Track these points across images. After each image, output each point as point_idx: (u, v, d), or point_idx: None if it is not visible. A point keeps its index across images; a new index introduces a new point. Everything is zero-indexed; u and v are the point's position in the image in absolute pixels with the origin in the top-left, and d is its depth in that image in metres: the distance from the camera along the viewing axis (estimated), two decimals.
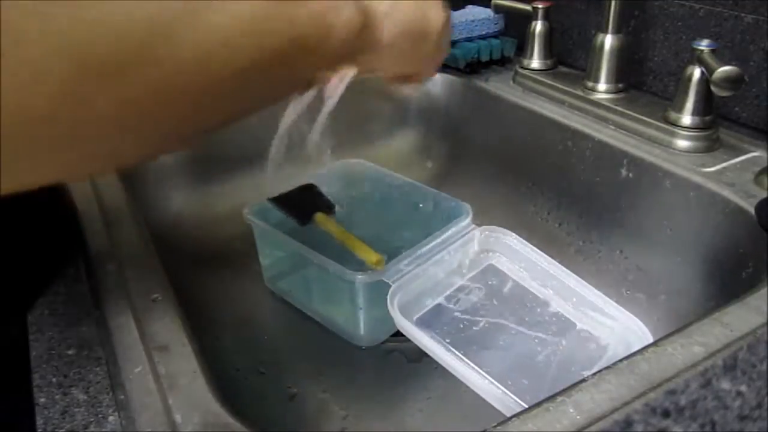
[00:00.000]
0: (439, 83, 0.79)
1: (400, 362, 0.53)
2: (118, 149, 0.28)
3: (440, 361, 0.44)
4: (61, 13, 0.22)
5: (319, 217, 0.55)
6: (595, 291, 0.50)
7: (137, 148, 0.29)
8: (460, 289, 0.53)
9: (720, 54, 0.55)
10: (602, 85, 0.65)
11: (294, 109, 0.43)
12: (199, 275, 0.63)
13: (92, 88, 0.23)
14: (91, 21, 0.23)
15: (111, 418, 0.32)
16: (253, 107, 0.33)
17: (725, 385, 0.32)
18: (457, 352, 0.45)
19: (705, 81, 0.54)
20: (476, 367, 0.45)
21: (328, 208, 0.57)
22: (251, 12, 0.27)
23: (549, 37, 0.73)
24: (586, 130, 0.63)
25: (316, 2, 0.31)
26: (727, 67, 0.50)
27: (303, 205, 0.56)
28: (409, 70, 0.43)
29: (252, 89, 0.30)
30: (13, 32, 0.21)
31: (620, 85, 0.65)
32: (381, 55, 0.38)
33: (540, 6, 0.71)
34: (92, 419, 0.32)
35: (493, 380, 0.44)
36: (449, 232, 0.52)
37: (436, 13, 0.41)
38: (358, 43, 0.35)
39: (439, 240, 0.51)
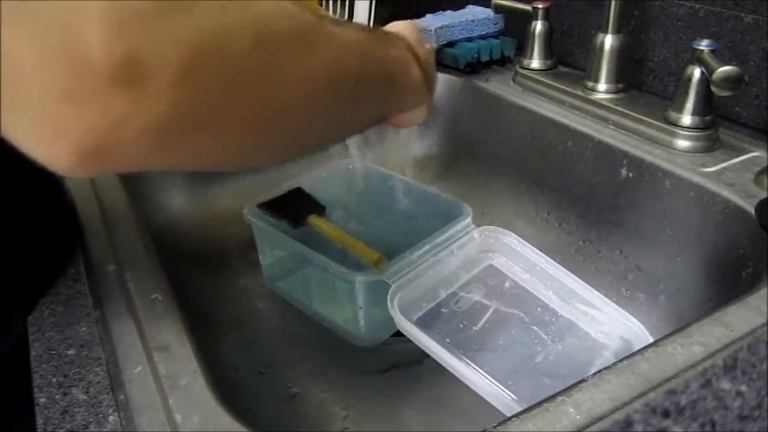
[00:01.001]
0: (439, 83, 0.79)
1: (400, 362, 0.53)
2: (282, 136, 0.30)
3: (440, 361, 0.44)
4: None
5: (313, 219, 0.55)
6: (595, 291, 0.50)
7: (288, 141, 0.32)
8: (460, 289, 0.53)
9: (720, 54, 0.55)
10: (602, 85, 0.65)
11: None
12: (199, 275, 0.63)
13: (273, 56, 0.26)
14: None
15: (111, 418, 0.32)
16: (349, 127, 0.38)
17: (725, 385, 0.32)
18: (457, 352, 0.45)
19: (705, 81, 0.54)
20: (476, 367, 0.45)
21: (319, 209, 0.57)
22: (357, 42, 0.34)
23: (549, 37, 0.73)
24: (586, 130, 0.63)
25: (397, 51, 0.40)
26: (727, 67, 0.50)
27: (293, 209, 0.56)
28: (420, 118, 0.49)
29: (354, 105, 0.35)
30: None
31: (620, 85, 0.65)
32: (420, 108, 0.46)
33: (540, 6, 0.71)
34: (92, 419, 0.32)
35: (493, 380, 0.44)
36: (449, 232, 0.52)
37: (434, 69, 0.50)
38: (421, 92, 0.43)
39: (439, 240, 0.51)
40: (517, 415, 0.30)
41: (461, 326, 0.50)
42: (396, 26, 0.47)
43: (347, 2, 0.82)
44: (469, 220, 0.54)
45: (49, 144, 0.22)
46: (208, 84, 0.24)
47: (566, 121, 0.65)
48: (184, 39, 0.22)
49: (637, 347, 0.36)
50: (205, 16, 0.23)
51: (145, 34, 0.21)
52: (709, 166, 0.55)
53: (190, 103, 0.23)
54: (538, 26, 0.72)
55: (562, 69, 0.74)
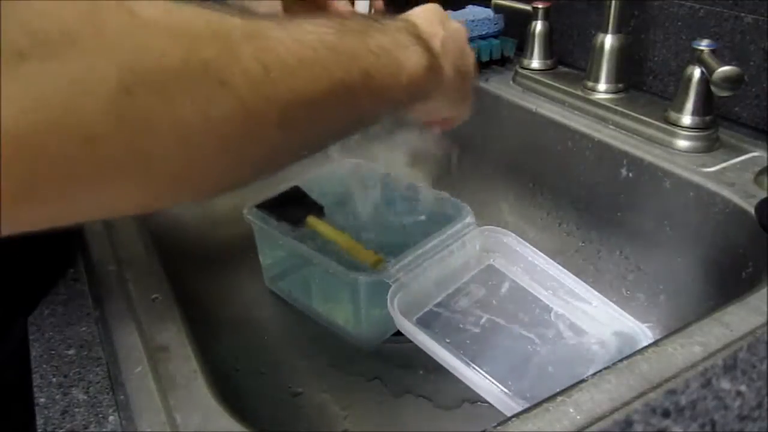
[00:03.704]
0: None
1: (400, 362, 0.53)
2: (196, 175, 0.25)
3: (440, 361, 0.44)
4: (114, 20, 0.20)
5: (311, 220, 0.55)
6: (595, 292, 0.50)
7: (206, 176, 0.26)
8: (460, 289, 0.53)
9: (720, 54, 0.55)
10: (602, 85, 0.65)
11: None
12: (199, 275, 0.63)
13: (148, 103, 0.21)
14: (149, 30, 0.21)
15: (111, 418, 0.32)
16: (322, 140, 0.32)
17: (725, 385, 0.32)
18: (457, 352, 0.45)
19: (705, 81, 0.54)
20: (476, 367, 0.45)
21: (317, 210, 0.57)
22: (315, 43, 0.27)
23: (549, 37, 0.73)
24: (586, 130, 0.63)
25: (383, 37, 0.32)
26: (727, 67, 0.50)
27: (292, 209, 0.56)
28: (455, 111, 0.43)
29: (322, 120, 0.29)
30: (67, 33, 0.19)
31: (620, 85, 0.65)
32: (441, 97, 0.38)
33: (540, 6, 0.71)
34: (92, 419, 0.32)
35: (493, 380, 0.44)
36: (449, 232, 0.52)
37: (469, 50, 0.42)
38: (426, 84, 0.35)
39: (439, 240, 0.51)
40: (517, 415, 0.30)
41: (461, 326, 0.50)
42: (414, 11, 0.40)
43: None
44: (468, 220, 0.54)
45: None
46: (52, 151, 0.19)
47: (566, 121, 0.65)
48: (14, 105, 0.18)
49: (637, 347, 0.36)
50: (44, 72, 0.19)
51: None
52: (709, 166, 0.55)
53: (29, 173, 0.19)
54: (538, 26, 0.72)
55: (562, 69, 0.74)
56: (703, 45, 0.54)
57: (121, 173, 0.22)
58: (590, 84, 0.66)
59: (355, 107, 0.31)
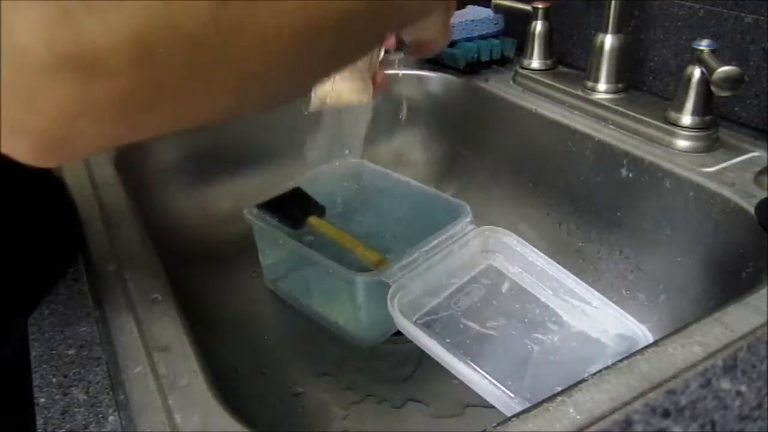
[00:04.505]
0: (439, 83, 0.79)
1: (400, 362, 0.53)
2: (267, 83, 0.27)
3: (440, 361, 0.44)
4: None
5: (313, 220, 0.55)
6: (594, 291, 0.50)
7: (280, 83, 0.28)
8: (459, 289, 0.53)
9: (720, 54, 0.55)
10: (602, 85, 0.65)
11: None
12: (199, 275, 0.63)
13: (238, 12, 0.23)
14: None
15: (111, 418, 0.32)
16: (340, 59, 0.33)
17: (725, 385, 0.32)
18: (457, 352, 0.45)
19: (705, 81, 0.54)
20: (476, 367, 0.45)
21: (318, 210, 0.57)
22: None
23: (549, 37, 0.73)
24: (586, 130, 0.63)
25: None
26: (727, 67, 0.50)
27: (293, 210, 0.56)
28: (440, 33, 0.44)
29: (346, 35, 0.30)
30: None
31: (620, 85, 0.65)
32: (440, 12, 0.40)
33: (540, 6, 0.71)
34: (92, 419, 0.32)
35: (493, 380, 0.44)
36: (449, 232, 0.52)
37: None
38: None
39: (439, 240, 0.51)
40: (517, 415, 0.30)
41: (461, 326, 0.50)
42: None
43: None
44: (468, 219, 0.54)
45: (7, 140, 0.21)
46: (169, 56, 0.21)
47: (566, 121, 0.65)
48: (137, 13, 0.20)
49: (637, 347, 0.36)
50: None
51: (90, 14, 0.19)
52: (709, 166, 0.55)
53: (149, 78, 0.21)
54: (538, 26, 0.72)
55: (562, 69, 0.74)
56: (703, 45, 0.54)
57: (215, 79, 0.24)
58: (590, 84, 0.66)
59: (383, 20, 0.33)
